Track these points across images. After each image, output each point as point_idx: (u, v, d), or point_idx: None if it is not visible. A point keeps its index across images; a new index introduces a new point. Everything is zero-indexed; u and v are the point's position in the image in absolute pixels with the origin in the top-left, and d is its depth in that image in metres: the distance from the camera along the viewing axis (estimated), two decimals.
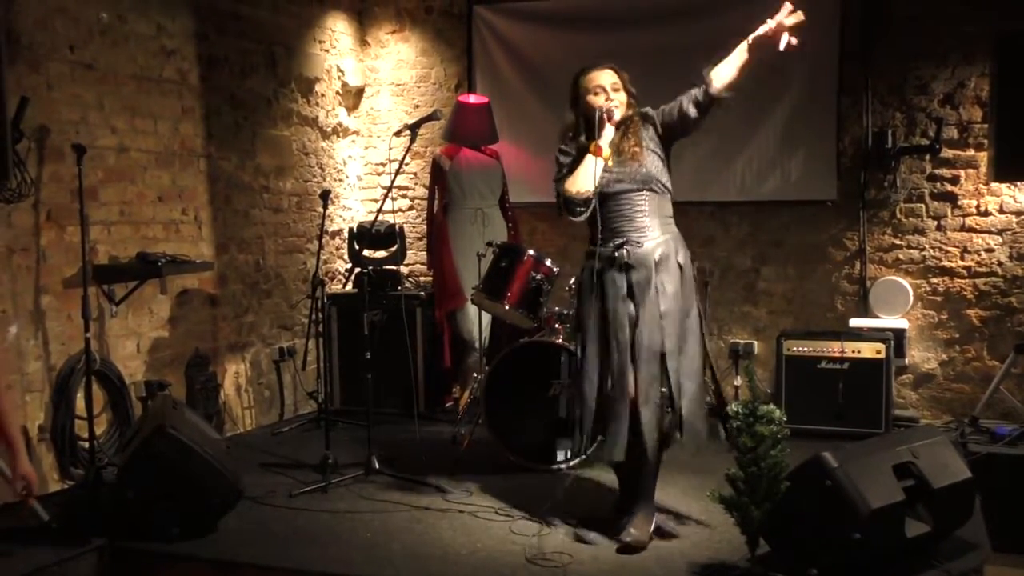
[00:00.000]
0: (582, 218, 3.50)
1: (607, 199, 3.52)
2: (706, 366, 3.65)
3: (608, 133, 3.49)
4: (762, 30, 3.28)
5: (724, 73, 3.37)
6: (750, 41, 3.31)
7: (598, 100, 3.53)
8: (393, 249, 5.87)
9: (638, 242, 3.49)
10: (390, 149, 6.04)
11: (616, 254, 3.50)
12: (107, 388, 4.59)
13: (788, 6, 3.26)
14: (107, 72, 4.65)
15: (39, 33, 4.29)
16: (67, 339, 4.42)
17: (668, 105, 3.56)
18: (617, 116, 3.51)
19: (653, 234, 3.51)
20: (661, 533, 3.60)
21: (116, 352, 4.73)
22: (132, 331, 4.84)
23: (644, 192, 3.52)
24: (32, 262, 4.27)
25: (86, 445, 4.38)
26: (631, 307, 3.49)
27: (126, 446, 3.91)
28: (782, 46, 3.24)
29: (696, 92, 3.45)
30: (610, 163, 3.49)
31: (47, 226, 4.34)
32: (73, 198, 4.32)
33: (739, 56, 3.35)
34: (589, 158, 3.47)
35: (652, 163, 3.53)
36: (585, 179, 3.46)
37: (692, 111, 3.46)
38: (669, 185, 3.59)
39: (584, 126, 3.59)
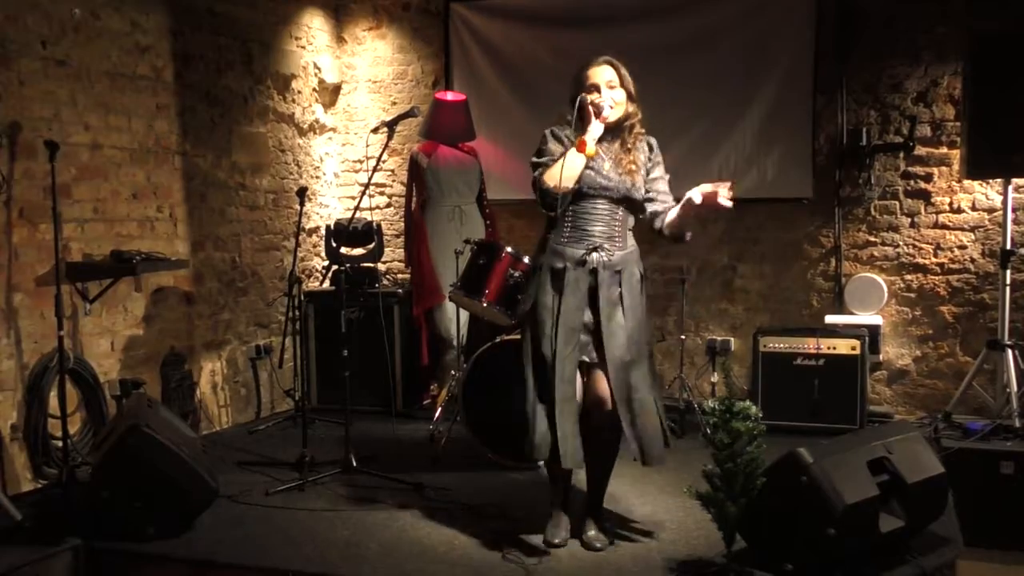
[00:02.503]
0: (555, 212, 3.39)
1: (584, 198, 3.44)
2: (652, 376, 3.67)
3: (595, 130, 3.39)
4: (698, 195, 3.31)
5: (669, 219, 3.48)
6: (692, 199, 3.33)
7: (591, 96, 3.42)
8: (371, 246, 5.87)
9: (610, 251, 3.47)
10: (367, 146, 6.05)
11: (587, 257, 3.44)
12: (81, 387, 4.56)
13: (727, 188, 3.31)
14: (80, 68, 4.61)
15: (11, 29, 4.24)
16: (40, 337, 4.38)
17: (654, 177, 3.53)
18: (609, 115, 3.41)
19: (622, 246, 3.50)
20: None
21: (90, 350, 4.69)
22: (106, 329, 4.80)
23: (624, 206, 3.49)
24: (4, 260, 4.22)
25: (59, 444, 4.34)
26: (587, 313, 3.45)
27: (100, 445, 3.87)
28: (721, 201, 3.31)
29: (656, 219, 3.51)
30: (606, 167, 3.44)
31: (19, 223, 4.29)
32: (46, 195, 4.28)
33: (682, 208, 3.42)
34: (572, 153, 3.36)
35: (640, 185, 3.49)
36: (565, 174, 3.33)
37: (650, 217, 3.53)
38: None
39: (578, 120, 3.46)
